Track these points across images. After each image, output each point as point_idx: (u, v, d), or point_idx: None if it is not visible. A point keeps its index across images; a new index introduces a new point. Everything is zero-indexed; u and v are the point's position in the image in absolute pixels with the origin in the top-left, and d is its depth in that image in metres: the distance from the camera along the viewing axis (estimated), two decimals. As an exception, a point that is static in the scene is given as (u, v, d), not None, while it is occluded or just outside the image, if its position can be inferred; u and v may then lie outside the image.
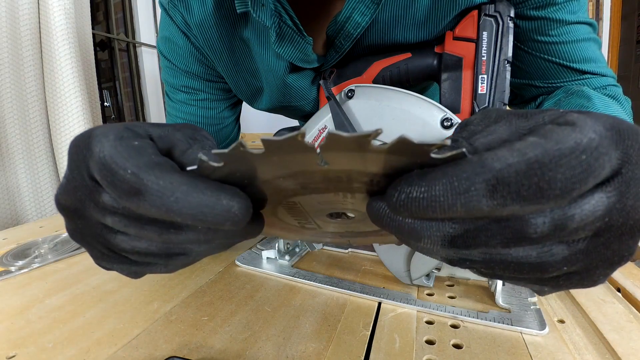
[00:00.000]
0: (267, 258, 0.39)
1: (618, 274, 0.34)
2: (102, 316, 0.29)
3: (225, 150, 0.12)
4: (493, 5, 0.32)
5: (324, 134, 0.34)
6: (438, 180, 0.12)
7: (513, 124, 0.14)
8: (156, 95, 1.94)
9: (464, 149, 0.12)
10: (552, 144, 0.11)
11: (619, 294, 0.31)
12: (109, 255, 0.18)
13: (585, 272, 0.14)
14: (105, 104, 1.70)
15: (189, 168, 0.15)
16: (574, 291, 0.32)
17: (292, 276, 0.35)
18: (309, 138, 0.35)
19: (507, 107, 0.34)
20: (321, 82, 0.38)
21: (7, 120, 1.05)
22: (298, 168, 0.13)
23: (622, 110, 0.36)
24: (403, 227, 0.13)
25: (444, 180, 0.12)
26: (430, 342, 0.26)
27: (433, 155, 0.12)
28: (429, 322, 0.28)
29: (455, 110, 0.33)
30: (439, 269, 0.35)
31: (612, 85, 0.38)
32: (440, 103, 0.30)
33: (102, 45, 1.71)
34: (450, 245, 0.13)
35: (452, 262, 0.15)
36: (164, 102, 1.67)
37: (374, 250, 0.40)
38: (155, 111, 1.93)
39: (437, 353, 0.25)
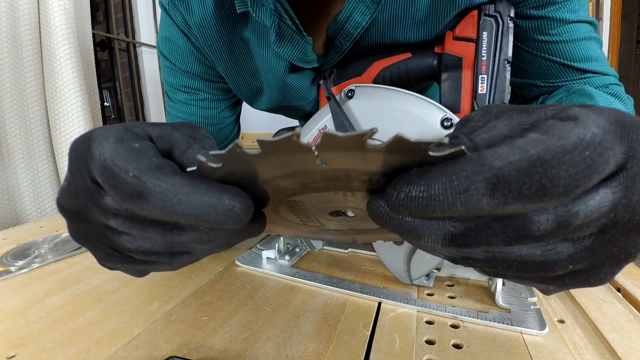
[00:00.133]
0: (267, 258, 0.39)
1: (618, 274, 0.34)
2: (102, 316, 0.29)
3: (223, 151, 0.12)
4: (493, 5, 0.32)
5: (323, 134, 0.34)
6: (437, 179, 0.11)
7: (514, 120, 0.14)
8: (156, 95, 1.94)
9: (462, 147, 0.12)
10: (554, 140, 0.11)
11: (619, 294, 0.31)
12: (114, 255, 0.18)
13: (591, 270, 0.14)
14: (105, 104, 1.70)
15: (188, 169, 0.16)
16: (574, 291, 0.32)
17: (292, 276, 0.35)
18: (309, 138, 0.35)
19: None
20: (321, 82, 0.38)
21: (7, 120, 1.05)
22: (296, 168, 0.13)
23: (624, 109, 0.36)
24: (403, 225, 0.13)
25: (443, 179, 0.11)
26: (430, 342, 0.26)
27: (431, 153, 0.11)
28: (429, 322, 0.28)
29: (455, 110, 0.33)
30: (439, 269, 0.35)
31: (613, 84, 0.38)
32: (440, 103, 0.30)
33: (102, 45, 1.71)
34: (451, 244, 0.13)
35: (455, 261, 0.15)
36: (164, 102, 1.67)
37: (374, 250, 0.40)
38: (155, 111, 1.93)
39: (437, 353, 0.25)
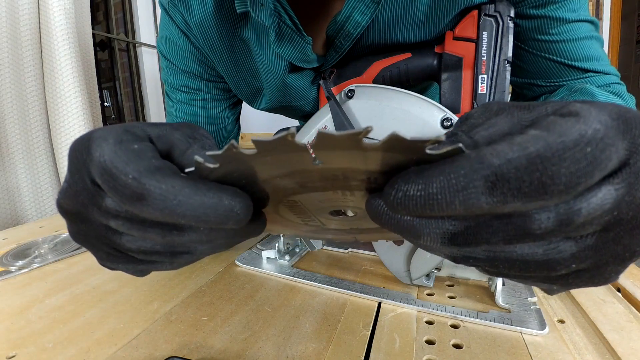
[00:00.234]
0: (267, 258, 0.39)
1: (618, 274, 0.34)
2: (102, 316, 0.29)
3: (219, 152, 0.12)
4: (493, 5, 0.32)
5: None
6: (435, 177, 0.11)
7: (515, 116, 0.14)
8: (156, 95, 1.94)
9: (460, 144, 0.11)
10: (555, 136, 0.11)
11: (619, 294, 0.31)
12: (115, 255, 0.18)
13: (595, 270, 0.13)
14: (105, 104, 1.70)
15: (187, 170, 0.16)
16: (574, 291, 0.32)
17: (292, 276, 0.35)
18: (308, 138, 0.35)
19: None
20: (321, 82, 0.38)
21: (7, 120, 1.05)
22: (293, 167, 0.13)
23: None
24: (402, 225, 0.13)
25: (441, 177, 0.11)
26: (430, 342, 0.26)
27: (429, 151, 0.11)
28: (429, 322, 0.28)
29: (455, 110, 0.33)
30: (439, 269, 0.35)
31: (615, 83, 0.38)
32: (440, 103, 0.30)
33: (102, 45, 1.71)
34: (451, 243, 0.13)
35: (456, 260, 0.15)
36: (164, 102, 1.67)
37: (374, 250, 0.40)
38: (155, 111, 1.93)
39: (437, 353, 0.25)
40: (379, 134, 0.11)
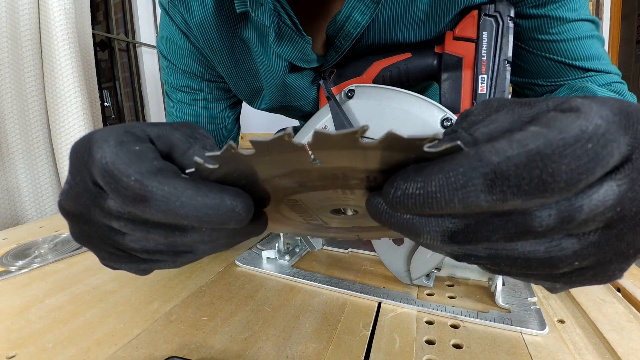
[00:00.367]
0: (267, 258, 0.39)
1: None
2: (102, 316, 0.29)
3: (218, 152, 0.12)
4: (493, 5, 0.32)
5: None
6: (434, 175, 0.11)
7: (515, 113, 0.14)
8: (156, 95, 1.94)
9: (458, 142, 0.11)
10: (555, 133, 0.10)
11: (619, 294, 0.31)
12: (117, 254, 0.18)
13: (598, 267, 0.13)
14: (105, 104, 1.70)
15: (187, 171, 0.16)
16: (573, 291, 0.32)
17: (292, 276, 0.35)
18: (308, 138, 0.35)
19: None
20: (321, 82, 0.38)
21: (7, 120, 1.05)
22: (292, 167, 0.13)
23: None
24: (402, 223, 0.13)
25: (439, 175, 0.11)
26: (430, 342, 0.26)
27: (427, 149, 0.11)
28: (429, 322, 0.28)
29: (455, 110, 0.33)
30: (439, 269, 0.35)
31: (616, 82, 0.38)
32: (440, 103, 0.30)
33: (102, 45, 1.71)
34: (451, 241, 0.13)
35: (458, 258, 0.15)
36: (164, 102, 1.67)
37: (374, 250, 0.40)
38: (155, 111, 1.93)
39: (437, 353, 0.25)
40: (379, 134, 0.11)
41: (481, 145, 0.11)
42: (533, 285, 0.33)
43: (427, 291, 0.33)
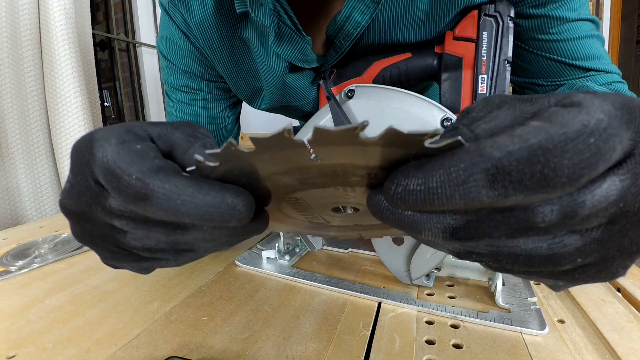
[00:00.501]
0: (267, 258, 0.39)
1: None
2: (102, 316, 0.29)
3: (218, 150, 0.12)
4: (493, 5, 0.32)
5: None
6: (435, 171, 0.11)
7: (517, 109, 0.13)
8: (156, 95, 1.94)
9: (459, 137, 0.11)
10: (557, 127, 0.10)
11: (619, 294, 0.31)
12: (119, 253, 0.18)
13: (602, 264, 0.13)
14: (105, 104, 1.70)
15: (188, 169, 0.16)
16: (574, 291, 0.32)
17: (292, 276, 0.35)
18: (308, 137, 0.35)
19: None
20: (321, 82, 0.38)
21: (7, 120, 1.05)
22: (291, 164, 0.13)
23: None
24: (403, 220, 0.13)
25: (440, 171, 0.11)
26: (430, 342, 0.26)
27: (427, 145, 0.11)
28: (429, 322, 0.28)
29: (455, 110, 0.33)
30: (439, 269, 0.35)
31: (616, 82, 0.38)
32: (440, 103, 0.30)
33: (102, 45, 1.71)
34: (453, 238, 0.13)
35: (459, 255, 0.14)
36: (164, 102, 1.67)
37: (374, 250, 0.40)
38: (155, 111, 1.93)
39: (437, 353, 0.25)
40: (378, 134, 0.11)
41: (482, 140, 0.11)
42: (533, 285, 0.33)
43: (427, 291, 0.33)
